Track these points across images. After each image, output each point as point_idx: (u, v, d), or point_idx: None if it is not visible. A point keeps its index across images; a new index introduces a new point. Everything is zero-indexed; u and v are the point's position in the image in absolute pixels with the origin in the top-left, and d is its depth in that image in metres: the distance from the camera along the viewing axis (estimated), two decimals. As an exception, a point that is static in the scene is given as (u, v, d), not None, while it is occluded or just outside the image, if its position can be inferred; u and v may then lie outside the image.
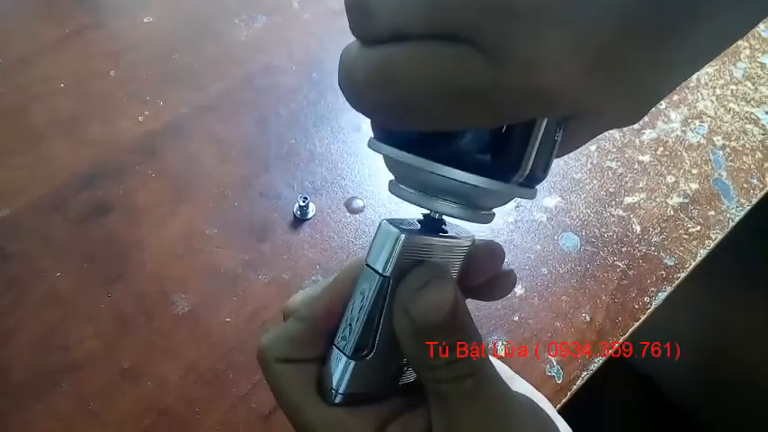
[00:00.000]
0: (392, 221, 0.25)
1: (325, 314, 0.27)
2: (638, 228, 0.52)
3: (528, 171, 0.22)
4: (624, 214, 0.52)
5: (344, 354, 0.26)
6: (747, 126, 0.59)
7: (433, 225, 0.26)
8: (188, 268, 0.46)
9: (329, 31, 0.62)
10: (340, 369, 0.26)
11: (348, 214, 0.51)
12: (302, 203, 0.49)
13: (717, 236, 0.52)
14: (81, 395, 0.41)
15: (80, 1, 0.64)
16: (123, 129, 0.54)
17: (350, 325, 0.26)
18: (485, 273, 0.29)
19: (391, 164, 0.24)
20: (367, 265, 0.26)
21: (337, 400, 0.26)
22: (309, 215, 0.50)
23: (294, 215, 0.50)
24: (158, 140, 0.53)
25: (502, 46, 0.17)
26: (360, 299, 0.26)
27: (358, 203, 0.51)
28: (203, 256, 0.47)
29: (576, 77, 0.17)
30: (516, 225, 0.51)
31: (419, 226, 0.26)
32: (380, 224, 0.25)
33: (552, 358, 0.45)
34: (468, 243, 0.27)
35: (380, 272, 0.25)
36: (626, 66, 0.18)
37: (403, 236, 0.24)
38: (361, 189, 0.52)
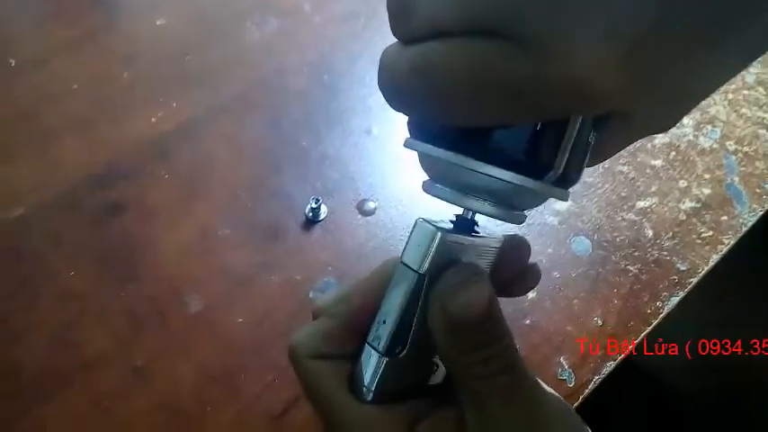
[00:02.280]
0: (427, 220, 0.25)
1: (358, 311, 0.28)
2: (650, 232, 0.52)
3: (561, 170, 0.22)
4: (636, 218, 0.52)
5: (378, 351, 0.26)
6: (760, 131, 0.59)
7: (465, 225, 0.26)
8: (201, 268, 0.47)
9: (340, 34, 0.62)
10: (373, 366, 0.26)
11: (360, 216, 0.51)
12: (314, 205, 0.49)
13: (729, 241, 0.52)
14: (93, 394, 0.41)
15: (93, 3, 0.64)
16: (136, 130, 0.54)
17: (383, 322, 0.26)
18: (513, 267, 0.29)
19: (427, 163, 0.25)
20: (402, 262, 0.26)
21: (369, 397, 0.27)
22: (321, 217, 0.50)
23: (306, 216, 0.50)
24: (171, 141, 0.53)
25: (538, 39, 0.17)
26: (394, 296, 0.26)
27: (369, 205, 0.51)
28: (216, 257, 0.47)
29: (611, 70, 0.17)
30: (528, 228, 0.51)
31: (452, 226, 0.26)
32: (416, 222, 0.26)
33: (564, 362, 0.45)
34: (498, 244, 0.28)
35: (416, 269, 0.25)
36: (661, 61, 0.18)
37: (440, 234, 0.25)
38: (373, 191, 0.52)
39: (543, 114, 0.20)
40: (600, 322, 0.47)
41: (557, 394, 0.30)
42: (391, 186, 0.52)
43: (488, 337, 0.25)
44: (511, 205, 0.24)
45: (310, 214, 0.50)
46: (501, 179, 0.22)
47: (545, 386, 0.30)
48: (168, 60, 0.59)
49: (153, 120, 0.55)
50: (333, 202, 0.51)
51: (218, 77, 0.58)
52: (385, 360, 0.26)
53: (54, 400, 0.41)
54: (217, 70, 0.59)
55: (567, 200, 0.24)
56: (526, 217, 0.26)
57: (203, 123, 0.55)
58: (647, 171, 0.55)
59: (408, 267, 0.26)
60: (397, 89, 0.21)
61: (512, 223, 0.25)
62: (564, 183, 0.23)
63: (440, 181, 0.25)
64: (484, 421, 0.25)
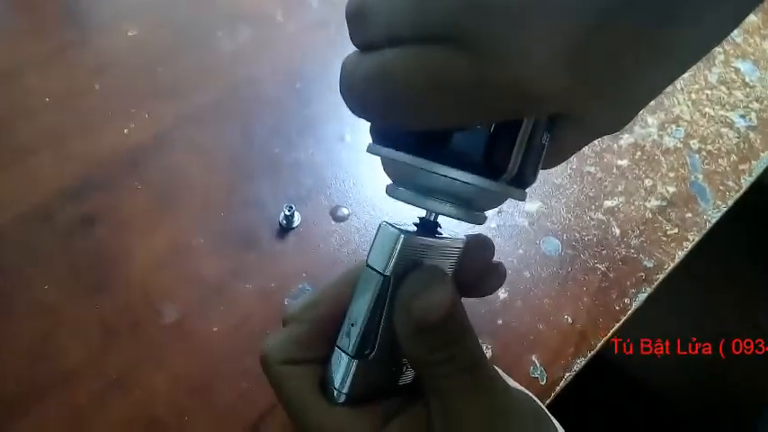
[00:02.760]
0: (391, 223, 0.26)
1: (327, 316, 0.28)
2: (617, 231, 0.53)
3: (516, 170, 0.23)
4: (604, 218, 0.54)
5: (347, 353, 0.27)
6: (723, 130, 0.60)
7: (428, 227, 0.27)
8: (175, 278, 0.47)
9: (312, 43, 0.63)
10: (342, 368, 0.27)
11: (333, 222, 0.51)
12: (287, 212, 0.50)
13: (694, 237, 0.53)
14: (70, 406, 0.41)
15: (64, 16, 0.64)
16: (109, 142, 0.54)
17: (352, 325, 0.27)
18: (478, 266, 0.30)
19: (389, 167, 0.26)
20: (368, 265, 0.27)
21: (340, 399, 0.27)
22: (295, 224, 0.50)
23: (280, 224, 0.50)
24: (144, 152, 0.54)
25: (482, 42, 0.18)
26: (361, 299, 0.27)
27: (343, 212, 0.52)
28: (190, 266, 0.48)
29: (554, 70, 0.18)
30: (499, 230, 0.52)
31: (416, 228, 0.27)
32: (380, 225, 0.27)
33: (536, 360, 0.46)
34: (461, 245, 0.29)
35: (381, 271, 0.26)
36: (605, 60, 0.18)
37: (402, 236, 0.26)
38: (346, 197, 0.53)
39: (494, 116, 0.21)
40: (570, 320, 0.48)
41: (524, 389, 0.30)
42: (364, 192, 0.53)
43: (451, 338, 0.25)
44: (470, 205, 0.25)
45: (284, 222, 0.50)
46: (458, 180, 0.23)
47: (512, 382, 0.31)
48: (140, 71, 0.59)
49: (125, 131, 0.55)
50: (306, 209, 0.51)
51: (190, 87, 0.59)
52: (354, 362, 0.27)
53: (30, 413, 0.41)
54: (188, 80, 0.59)
55: (524, 200, 0.25)
56: (486, 218, 0.26)
57: (176, 133, 0.55)
58: (614, 171, 0.56)
59: (373, 270, 0.26)
60: (356, 96, 0.21)
61: (472, 223, 0.26)
62: (519, 183, 0.24)
63: (402, 184, 0.26)
64: (448, 418, 0.26)
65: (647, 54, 0.19)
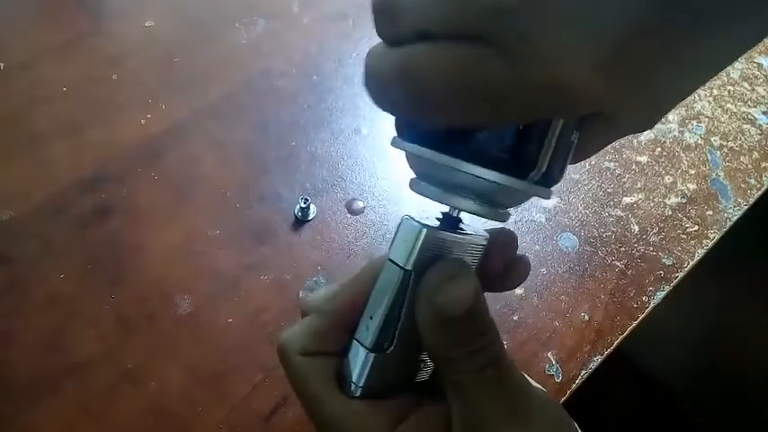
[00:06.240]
0: (413, 218, 0.26)
1: (347, 309, 0.28)
2: (636, 228, 0.52)
3: (544, 170, 0.23)
4: (622, 214, 0.53)
5: (365, 347, 0.27)
6: (744, 126, 0.59)
7: (451, 223, 0.27)
8: (190, 270, 0.47)
9: (328, 35, 0.63)
10: (360, 362, 0.27)
11: (349, 215, 0.51)
12: (303, 205, 0.49)
13: (715, 235, 0.52)
14: (84, 397, 0.41)
15: (82, 6, 0.64)
16: (125, 132, 0.54)
17: (371, 318, 0.27)
18: (501, 259, 0.29)
19: (413, 161, 0.25)
20: (389, 259, 0.26)
21: (357, 393, 0.27)
22: (310, 217, 0.50)
23: (295, 217, 0.50)
24: (160, 144, 0.54)
25: (518, 44, 0.17)
26: (381, 292, 0.27)
27: (358, 205, 0.52)
28: (205, 258, 0.48)
29: (590, 75, 0.17)
30: (516, 225, 0.51)
31: (438, 223, 0.27)
32: (402, 220, 0.26)
33: (551, 357, 0.45)
34: (484, 241, 0.28)
35: (402, 266, 0.26)
36: (644, 65, 0.18)
37: (425, 230, 0.25)
38: (362, 190, 0.52)
39: (527, 117, 0.21)
40: (587, 317, 0.47)
41: (543, 389, 0.30)
42: (380, 185, 0.53)
43: (474, 332, 0.25)
44: (495, 203, 0.25)
45: (299, 214, 0.50)
46: (485, 179, 0.22)
47: (531, 381, 0.30)
48: (157, 62, 0.59)
49: (142, 122, 0.55)
50: (322, 201, 0.51)
51: (207, 79, 0.59)
52: (372, 356, 0.27)
53: (44, 404, 0.41)
54: (205, 72, 0.59)
55: (549, 198, 0.25)
56: (510, 215, 0.26)
57: (192, 125, 0.55)
58: (633, 167, 0.56)
59: (395, 264, 0.26)
60: (381, 91, 0.21)
61: (496, 221, 0.25)
62: (547, 181, 0.24)
63: (426, 179, 0.25)
64: (469, 414, 0.25)
65: (688, 54, 0.18)
